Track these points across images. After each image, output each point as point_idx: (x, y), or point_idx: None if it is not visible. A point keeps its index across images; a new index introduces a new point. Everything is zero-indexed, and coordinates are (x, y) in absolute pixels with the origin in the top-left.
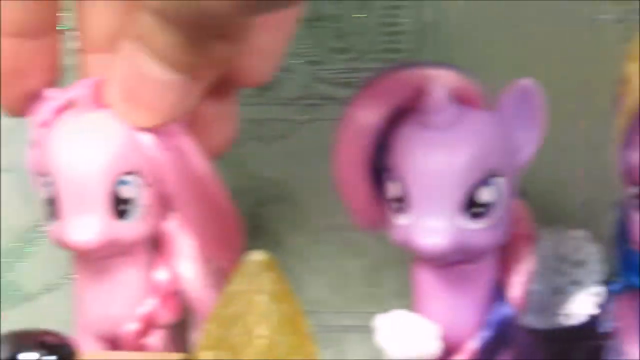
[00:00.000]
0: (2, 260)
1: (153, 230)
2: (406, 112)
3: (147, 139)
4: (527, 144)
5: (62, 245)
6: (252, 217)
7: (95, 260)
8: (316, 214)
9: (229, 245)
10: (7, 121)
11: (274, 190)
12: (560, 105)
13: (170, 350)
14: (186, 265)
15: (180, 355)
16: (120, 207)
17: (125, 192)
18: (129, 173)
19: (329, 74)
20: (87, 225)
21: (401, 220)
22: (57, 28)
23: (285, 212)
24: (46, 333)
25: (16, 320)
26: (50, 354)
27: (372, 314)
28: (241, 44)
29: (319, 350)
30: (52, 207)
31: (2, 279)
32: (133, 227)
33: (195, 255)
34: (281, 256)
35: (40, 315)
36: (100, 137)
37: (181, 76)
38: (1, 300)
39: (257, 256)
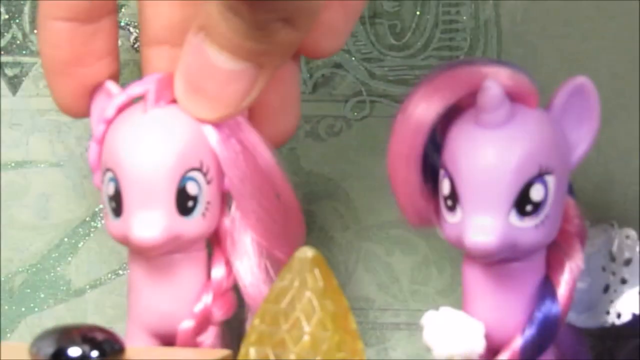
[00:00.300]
0: (52, 254)
1: (213, 227)
2: (460, 109)
3: (212, 132)
4: (581, 142)
5: (125, 241)
6: (302, 213)
7: (153, 257)
8: (366, 211)
9: (292, 238)
10: (59, 116)
11: (325, 187)
12: (613, 102)
13: (221, 347)
14: (244, 261)
15: (226, 351)
16: (186, 203)
17: (191, 188)
18: (195, 169)
19: (385, 71)
20: (153, 222)
21: (452, 218)
22: (113, 10)
23: (335, 209)
24: (94, 328)
25: (64, 315)
26: (98, 349)
27: (419, 311)
28: (307, 29)
29: (364, 347)
30: (116, 203)
31: (52, 274)
32: (196, 224)
33: (254, 250)
34: (330, 252)
35: (88, 310)
36: (168, 134)
37: (247, 64)
38: (51, 294)
39: (305, 252)
